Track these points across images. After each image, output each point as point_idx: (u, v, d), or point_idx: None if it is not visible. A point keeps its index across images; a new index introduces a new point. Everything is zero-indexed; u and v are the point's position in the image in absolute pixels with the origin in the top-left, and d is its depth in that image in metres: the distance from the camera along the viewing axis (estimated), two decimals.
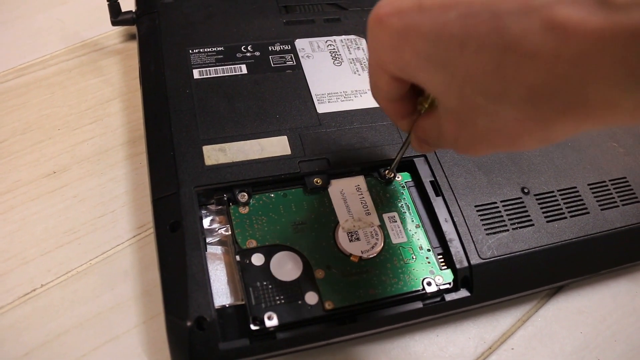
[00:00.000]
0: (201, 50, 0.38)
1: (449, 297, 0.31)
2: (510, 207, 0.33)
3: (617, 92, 0.16)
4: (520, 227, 0.33)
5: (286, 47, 0.39)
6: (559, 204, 0.34)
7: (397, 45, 0.21)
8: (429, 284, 0.30)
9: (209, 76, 0.36)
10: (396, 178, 0.34)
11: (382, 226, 0.32)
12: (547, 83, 0.17)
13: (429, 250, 0.32)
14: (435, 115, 0.24)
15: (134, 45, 0.46)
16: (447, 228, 0.32)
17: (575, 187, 0.35)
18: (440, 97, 0.21)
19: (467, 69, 0.19)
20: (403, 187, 0.34)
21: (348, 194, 0.33)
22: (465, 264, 0.31)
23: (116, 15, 0.42)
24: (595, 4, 0.16)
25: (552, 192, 0.35)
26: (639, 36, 0.15)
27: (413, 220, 0.33)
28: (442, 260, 0.32)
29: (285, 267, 0.29)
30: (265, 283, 0.29)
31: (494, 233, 0.32)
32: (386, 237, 0.31)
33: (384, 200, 0.33)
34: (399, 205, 0.33)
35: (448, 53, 0.19)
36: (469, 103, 0.20)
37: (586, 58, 0.16)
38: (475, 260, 0.31)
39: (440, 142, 0.25)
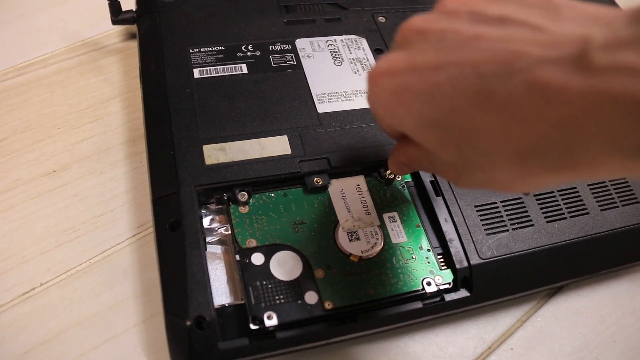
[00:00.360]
0: (202, 49, 0.38)
1: (448, 297, 0.31)
2: (510, 207, 0.33)
3: (601, 155, 0.17)
4: (520, 227, 0.33)
5: (287, 47, 0.39)
6: (559, 205, 0.34)
7: (391, 104, 0.22)
8: (428, 284, 0.30)
9: (209, 75, 0.36)
10: (396, 178, 0.34)
11: (382, 226, 0.32)
12: (534, 145, 0.18)
13: (428, 250, 0.32)
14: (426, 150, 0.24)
15: (134, 45, 0.46)
16: (447, 228, 0.32)
17: (575, 188, 0.35)
18: (437, 152, 0.22)
19: (461, 128, 0.20)
20: (403, 187, 0.34)
21: (348, 193, 0.33)
22: (465, 264, 0.31)
23: (117, 14, 0.42)
24: (576, 67, 0.16)
25: (552, 192, 0.35)
26: (619, 102, 0.15)
27: (413, 220, 0.33)
28: (442, 260, 0.32)
29: (285, 266, 0.29)
30: (265, 282, 0.29)
31: (494, 233, 0.32)
32: (386, 237, 0.31)
33: (384, 200, 0.33)
34: (399, 205, 0.33)
35: (441, 113, 0.20)
36: (465, 159, 0.21)
37: (569, 122, 0.16)
38: (475, 260, 0.31)
39: (430, 170, 0.25)
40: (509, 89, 0.17)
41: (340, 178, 0.33)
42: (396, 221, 0.32)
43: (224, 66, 0.37)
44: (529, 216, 0.33)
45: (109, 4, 0.42)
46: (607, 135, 0.16)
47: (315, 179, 0.32)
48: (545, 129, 0.17)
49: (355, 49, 0.40)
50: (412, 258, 0.31)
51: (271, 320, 0.28)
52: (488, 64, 0.18)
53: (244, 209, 0.31)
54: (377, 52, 0.40)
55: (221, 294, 0.29)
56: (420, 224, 0.32)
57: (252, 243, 0.30)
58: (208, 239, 0.31)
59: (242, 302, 0.28)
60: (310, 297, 0.29)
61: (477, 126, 0.19)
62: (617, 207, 0.35)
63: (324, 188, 0.33)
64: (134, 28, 0.44)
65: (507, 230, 0.32)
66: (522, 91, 0.17)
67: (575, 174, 0.18)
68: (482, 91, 0.18)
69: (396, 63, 0.21)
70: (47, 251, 0.34)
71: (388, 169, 0.33)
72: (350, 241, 0.31)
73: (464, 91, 0.19)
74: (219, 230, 0.31)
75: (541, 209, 0.34)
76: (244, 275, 0.29)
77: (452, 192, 0.33)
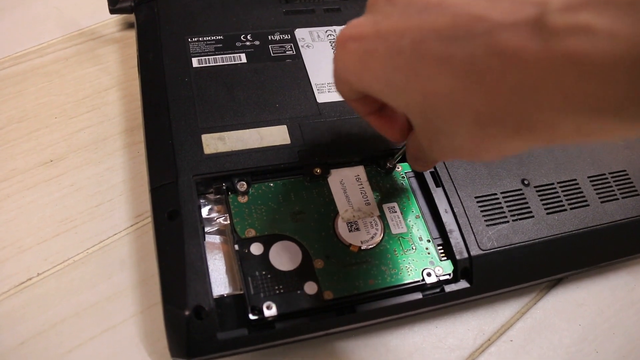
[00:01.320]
0: (200, 39, 0.38)
1: (448, 288, 0.30)
2: (511, 198, 0.33)
3: (557, 117, 0.17)
4: (520, 219, 0.33)
5: (286, 37, 0.39)
6: (559, 196, 0.34)
7: (358, 70, 0.22)
8: (428, 274, 0.30)
9: (208, 65, 0.36)
10: (396, 168, 0.34)
11: (382, 216, 0.32)
12: (493, 109, 0.18)
13: (428, 241, 0.31)
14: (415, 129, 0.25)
15: (132, 34, 0.45)
16: (447, 219, 0.32)
17: (575, 180, 0.35)
18: (407, 114, 0.22)
19: (424, 93, 0.20)
20: (403, 177, 0.34)
21: (348, 184, 0.33)
22: (465, 255, 0.31)
23: (114, 3, 0.42)
24: (533, 31, 0.16)
25: (552, 184, 0.35)
26: (572, 61, 0.15)
27: (413, 211, 0.32)
28: (442, 251, 0.32)
29: (284, 256, 0.29)
30: (264, 273, 0.29)
31: (494, 224, 0.32)
32: (386, 227, 0.31)
33: (383, 190, 0.33)
34: (399, 195, 0.33)
35: (405, 79, 0.20)
36: (430, 124, 0.21)
37: (527, 85, 0.17)
38: (475, 251, 0.31)
39: (424, 149, 0.26)
40: (469, 53, 0.18)
41: (339, 168, 0.33)
42: (396, 212, 0.32)
43: (223, 55, 0.37)
44: (529, 207, 0.33)
45: None
46: (563, 95, 0.16)
47: (315, 169, 0.32)
48: (503, 93, 0.17)
49: None
50: (412, 249, 0.31)
51: (270, 311, 0.27)
52: (450, 28, 0.18)
53: (243, 199, 0.31)
54: None
55: (220, 284, 0.29)
56: (420, 215, 0.32)
57: (251, 233, 0.30)
58: (207, 229, 0.30)
59: (241, 292, 0.28)
60: (310, 288, 0.29)
61: (438, 91, 0.19)
62: (617, 199, 0.35)
63: (324, 178, 0.32)
64: (131, 17, 0.43)
65: (507, 222, 0.32)
66: (482, 55, 0.17)
67: (533, 138, 0.19)
68: (443, 55, 0.18)
69: (362, 28, 0.21)
70: (44, 241, 0.34)
71: (390, 160, 0.33)
72: (350, 231, 0.31)
73: (425, 55, 0.19)
74: (218, 220, 0.31)
75: (541, 200, 0.34)
76: (243, 265, 0.29)
77: (452, 182, 0.33)
